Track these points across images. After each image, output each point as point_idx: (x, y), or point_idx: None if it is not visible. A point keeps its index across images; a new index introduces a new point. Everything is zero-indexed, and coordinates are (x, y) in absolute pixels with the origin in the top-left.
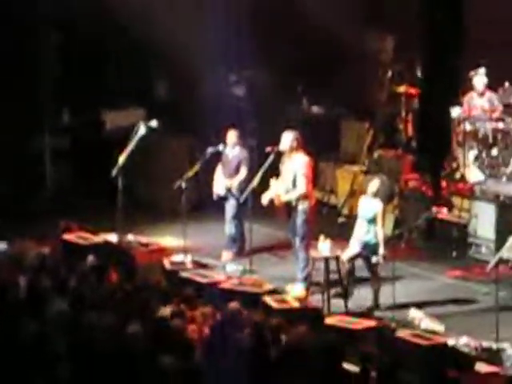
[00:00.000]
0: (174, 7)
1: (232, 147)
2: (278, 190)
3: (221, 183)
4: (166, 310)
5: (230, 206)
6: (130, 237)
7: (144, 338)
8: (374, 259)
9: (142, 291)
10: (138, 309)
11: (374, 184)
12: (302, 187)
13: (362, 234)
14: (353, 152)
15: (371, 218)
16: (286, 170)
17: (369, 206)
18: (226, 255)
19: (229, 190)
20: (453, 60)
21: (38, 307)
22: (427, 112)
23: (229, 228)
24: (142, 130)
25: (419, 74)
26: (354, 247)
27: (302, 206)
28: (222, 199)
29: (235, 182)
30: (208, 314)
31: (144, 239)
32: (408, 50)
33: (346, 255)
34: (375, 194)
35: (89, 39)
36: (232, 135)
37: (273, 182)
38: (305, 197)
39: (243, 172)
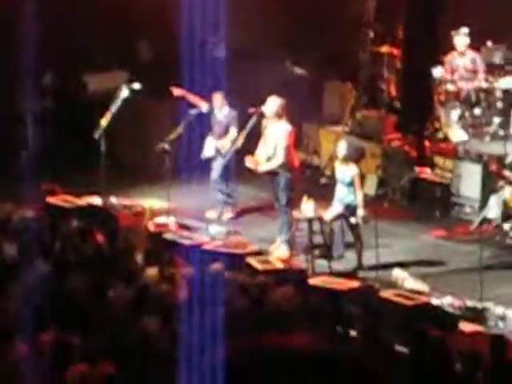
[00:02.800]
0: None
1: (220, 109)
2: (259, 156)
3: (210, 144)
4: (151, 271)
5: (218, 166)
6: (114, 199)
7: (126, 301)
8: (353, 220)
9: (125, 253)
10: (121, 271)
11: (342, 147)
12: (281, 157)
13: (342, 196)
14: (336, 113)
15: (349, 181)
16: (269, 136)
17: (344, 169)
18: (210, 214)
19: (218, 150)
20: (435, 19)
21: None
22: (410, 72)
23: (214, 188)
24: (124, 92)
25: (401, 34)
26: (335, 208)
27: (284, 174)
28: (211, 160)
29: (226, 142)
30: (190, 276)
31: (127, 202)
32: (389, 9)
33: (327, 216)
34: (346, 157)
35: (71, 1)
36: (218, 97)
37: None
38: (286, 164)
39: (233, 132)
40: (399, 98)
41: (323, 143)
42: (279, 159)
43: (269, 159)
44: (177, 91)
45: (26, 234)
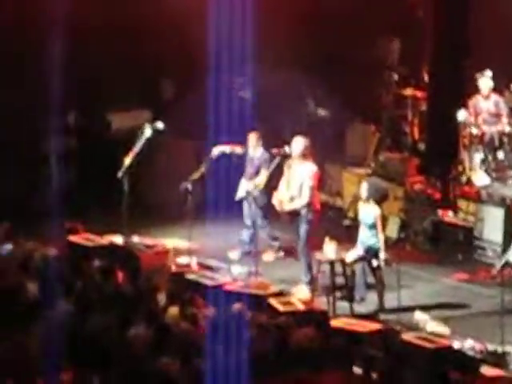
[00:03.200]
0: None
1: (254, 148)
2: (283, 197)
3: (242, 185)
4: (173, 311)
5: (247, 208)
6: (136, 239)
7: (147, 340)
8: (374, 263)
9: (146, 293)
10: (142, 310)
11: (364, 188)
12: (306, 197)
13: (364, 238)
14: (358, 154)
15: (371, 223)
16: (294, 177)
17: (366, 211)
18: (233, 255)
19: (248, 192)
20: (460, 62)
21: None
22: (434, 115)
23: (262, 231)
24: (147, 131)
25: (425, 76)
26: (357, 250)
27: (306, 214)
28: (242, 201)
29: (256, 183)
30: (212, 316)
31: (150, 241)
32: (414, 52)
33: (349, 258)
34: (368, 198)
35: (96, 42)
36: (253, 137)
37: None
38: (309, 205)
39: (263, 174)
40: (423, 140)
41: (346, 185)
42: (305, 199)
43: (292, 199)
44: (216, 150)
45: (48, 272)
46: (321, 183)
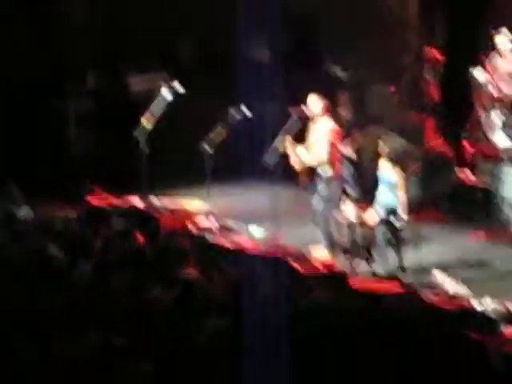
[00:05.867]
0: None
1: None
2: (302, 155)
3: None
4: (193, 273)
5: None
6: (155, 200)
7: (168, 302)
8: (397, 224)
9: (166, 255)
10: (162, 272)
11: (385, 146)
12: (323, 154)
13: (385, 198)
14: (378, 115)
15: (392, 183)
16: (313, 135)
17: (388, 171)
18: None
19: None
20: (478, 18)
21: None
22: (450, 74)
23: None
24: (166, 93)
25: (443, 34)
26: (378, 212)
27: (325, 173)
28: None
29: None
30: (233, 278)
31: (169, 203)
32: (433, 10)
33: (370, 219)
34: (390, 156)
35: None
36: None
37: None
38: (328, 163)
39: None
40: (441, 101)
41: (365, 144)
42: (322, 155)
43: (312, 158)
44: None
45: (69, 234)
46: (341, 138)
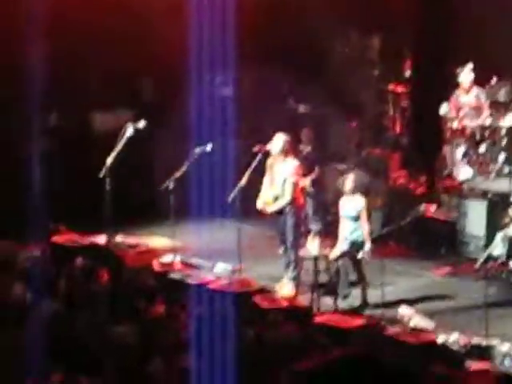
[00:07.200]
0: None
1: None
2: (266, 196)
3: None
4: (156, 310)
5: None
6: (119, 238)
7: (132, 340)
8: (360, 254)
9: (130, 292)
10: (126, 310)
11: (350, 180)
12: (289, 195)
13: (348, 233)
14: (341, 151)
15: (355, 215)
16: (277, 174)
17: (350, 203)
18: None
19: None
20: (443, 57)
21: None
22: (417, 110)
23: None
24: (129, 131)
25: (406, 72)
26: (342, 245)
27: (292, 210)
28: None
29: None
30: (195, 314)
31: (132, 240)
32: (394, 47)
33: (333, 254)
34: (353, 190)
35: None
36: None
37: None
38: (294, 201)
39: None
40: (404, 135)
41: (328, 181)
42: (287, 197)
43: (276, 198)
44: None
45: (33, 273)
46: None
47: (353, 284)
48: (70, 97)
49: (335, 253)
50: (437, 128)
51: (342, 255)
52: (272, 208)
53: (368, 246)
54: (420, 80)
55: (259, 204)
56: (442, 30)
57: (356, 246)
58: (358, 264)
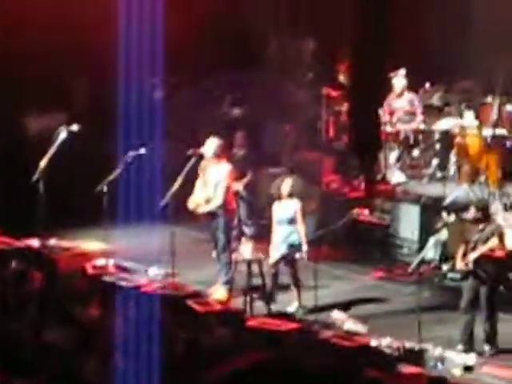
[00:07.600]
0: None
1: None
2: (198, 198)
3: None
4: (90, 313)
5: None
6: (52, 241)
7: (65, 343)
8: (297, 255)
9: (63, 295)
10: (59, 313)
11: (287, 184)
12: (221, 198)
13: (283, 237)
14: (275, 155)
15: (291, 218)
16: (210, 177)
17: (286, 207)
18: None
19: None
20: (380, 62)
21: None
22: (353, 114)
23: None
24: (63, 134)
25: (340, 76)
26: (279, 250)
27: (223, 215)
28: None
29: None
30: (128, 317)
31: (66, 244)
32: (328, 51)
33: (272, 258)
34: (291, 194)
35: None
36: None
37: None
38: (225, 205)
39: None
40: (338, 139)
41: (262, 184)
42: (219, 200)
43: (208, 200)
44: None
45: None
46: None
47: (287, 287)
48: (3, 99)
49: (274, 256)
50: (374, 132)
51: (280, 259)
52: (203, 209)
53: (305, 248)
54: (356, 84)
55: (190, 204)
56: (378, 35)
57: (294, 249)
58: (293, 267)
